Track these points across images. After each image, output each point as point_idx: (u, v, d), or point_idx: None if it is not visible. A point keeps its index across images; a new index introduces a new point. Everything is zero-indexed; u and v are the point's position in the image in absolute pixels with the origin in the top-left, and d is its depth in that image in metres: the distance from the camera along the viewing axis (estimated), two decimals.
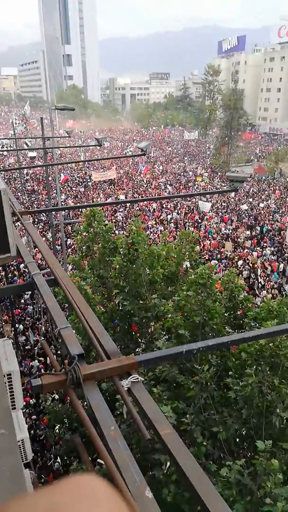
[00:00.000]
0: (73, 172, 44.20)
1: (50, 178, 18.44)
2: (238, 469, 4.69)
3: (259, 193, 38.33)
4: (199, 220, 29.60)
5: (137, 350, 8.54)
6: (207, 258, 22.12)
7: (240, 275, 19.77)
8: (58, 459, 10.43)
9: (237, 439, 6.41)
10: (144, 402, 1.30)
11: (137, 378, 1.38)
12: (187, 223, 28.76)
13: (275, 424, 5.43)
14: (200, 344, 1.60)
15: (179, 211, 31.49)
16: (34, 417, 11.82)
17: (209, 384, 6.08)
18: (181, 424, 5.43)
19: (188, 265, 9.92)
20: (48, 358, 14.12)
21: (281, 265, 22.41)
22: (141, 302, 8.47)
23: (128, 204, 31.96)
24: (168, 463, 4.70)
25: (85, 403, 1.43)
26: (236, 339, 1.89)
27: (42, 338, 15.09)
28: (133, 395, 1.34)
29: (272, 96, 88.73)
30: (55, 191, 20.80)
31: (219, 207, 33.02)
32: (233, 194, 35.01)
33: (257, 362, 5.94)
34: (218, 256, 23.36)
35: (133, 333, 8.93)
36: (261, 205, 33.46)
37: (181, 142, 71.01)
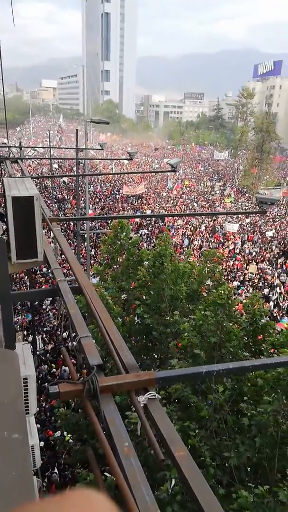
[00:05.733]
0: (102, 184, 45.04)
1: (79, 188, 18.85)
2: (258, 493, 4.52)
3: (285, 216, 37.83)
4: (223, 240, 29.40)
5: (153, 366, 8.44)
6: (229, 279, 21.84)
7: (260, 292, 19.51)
8: (56, 470, 10.36)
9: (248, 468, 6.17)
10: (160, 420, 1.28)
11: (154, 395, 1.36)
12: (212, 242, 28.62)
13: None
14: (221, 366, 1.57)
15: (205, 230, 31.41)
16: (38, 426, 11.80)
17: (223, 407, 5.92)
18: (189, 439, 5.29)
19: (211, 285, 9.83)
20: (58, 365, 14.22)
21: None
22: (161, 317, 8.42)
23: (153, 220, 32.12)
24: (173, 482, 4.59)
25: (99, 414, 1.42)
26: (258, 364, 1.84)
27: (60, 346, 15.18)
28: (149, 412, 1.32)
29: None
30: (83, 201, 21.22)
31: (244, 229, 32.72)
32: (258, 217, 34.68)
33: (274, 390, 5.75)
34: (241, 278, 23.01)
35: (151, 348, 8.86)
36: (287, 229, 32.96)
37: (211, 161, 71.27)
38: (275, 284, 22.18)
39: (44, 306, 18.71)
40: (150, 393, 1.37)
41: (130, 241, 9.73)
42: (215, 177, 58.07)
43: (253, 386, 6.44)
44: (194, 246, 27.48)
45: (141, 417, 1.29)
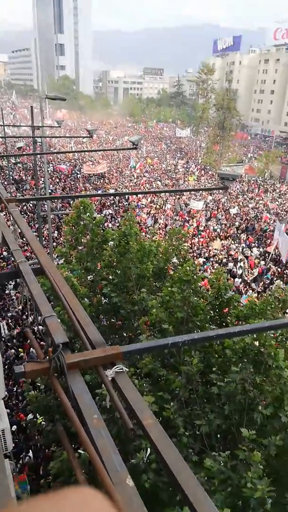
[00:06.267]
0: (62, 164, 43.82)
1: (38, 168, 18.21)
2: (222, 460, 4.77)
3: (247, 192, 38.79)
4: (188, 218, 29.74)
5: (122, 344, 8.54)
6: (195, 256, 22.24)
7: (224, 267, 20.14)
8: (30, 453, 10.43)
9: (218, 435, 6.48)
10: (128, 392, 1.29)
11: (122, 369, 1.37)
12: (177, 220, 28.87)
13: (256, 421, 5.50)
14: (186, 337, 1.60)
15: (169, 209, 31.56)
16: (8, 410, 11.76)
17: (194, 378, 6.13)
18: (164, 412, 5.47)
19: (177, 262, 9.96)
20: (24, 349, 14.07)
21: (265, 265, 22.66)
22: (128, 296, 8.47)
23: (116, 200, 31.82)
24: (149, 451, 4.74)
25: (69, 393, 1.41)
26: (222, 333, 1.90)
27: (26, 328, 14.98)
28: (117, 385, 1.33)
29: (265, 97, 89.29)
30: (42, 182, 20.59)
31: (209, 207, 33.20)
32: (222, 194, 35.29)
33: (241, 360, 6.00)
34: (206, 254, 23.49)
35: (119, 327, 8.94)
36: (250, 205, 33.81)
37: (173, 139, 71.09)
38: (239, 259, 22.85)
39: (7, 292, 18.28)
40: (117, 367, 1.37)
41: (94, 221, 9.60)
42: (178, 155, 58.13)
43: (221, 357, 6.71)
44: (160, 224, 27.61)
45: (109, 390, 1.30)
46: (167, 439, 1.13)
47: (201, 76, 72.56)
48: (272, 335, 6.66)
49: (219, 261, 22.59)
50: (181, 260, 9.83)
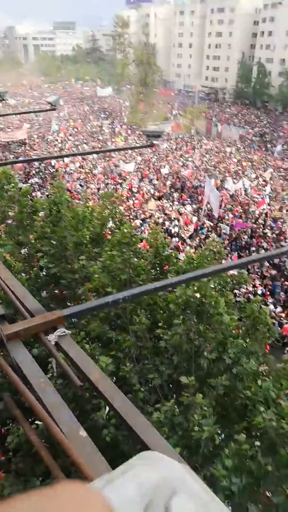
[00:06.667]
0: None
1: None
2: (168, 409, 5.10)
3: (176, 150, 39.11)
4: (119, 181, 29.41)
5: None
6: (131, 218, 22.27)
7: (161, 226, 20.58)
8: None
9: (170, 384, 6.88)
10: (73, 353, 1.30)
11: (64, 332, 1.36)
12: (109, 184, 28.43)
13: (203, 366, 5.91)
14: (125, 293, 1.62)
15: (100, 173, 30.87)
16: None
17: (142, 335, 6.36)
18: (120, 371, 5.69)
19: (113, 226, 9.92)
20: None
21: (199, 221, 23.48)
22: (67, 265, 8.34)
23: (43, 168, 30.33)
24: (107, 408, 4.93)
25: (14, 365, 1.38)
26: (159, 286, 1.95)
27: None
28: (61, 348, 1.32)
29: (185, 52, 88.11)
30: None
31: (140, 168, 33.01)
32: (152, 153, 35.21)
33: (185, 312, 6.31)
34: (142, 216, 23.62)
35: (62, 297, 8.84)
36: (180, 163, 34.23)
37: (95, 99, 68.29)
38: (173, 218, 23.35)
39: None
40: (59, 330, 1.36)
41: (20, 191, 9.12)
42: (102, 115, 56.26)
43: (165, 313, 7.00)
44: (92, 189, 27.02)
45: (54, 354, 1.30)
46: (117, 391, 1.17)
47: (116, 29, 69.24)
48: (212, 286, 7.06)
49: (156, 221, 22.90)
50: (118, 223, 9.82)
